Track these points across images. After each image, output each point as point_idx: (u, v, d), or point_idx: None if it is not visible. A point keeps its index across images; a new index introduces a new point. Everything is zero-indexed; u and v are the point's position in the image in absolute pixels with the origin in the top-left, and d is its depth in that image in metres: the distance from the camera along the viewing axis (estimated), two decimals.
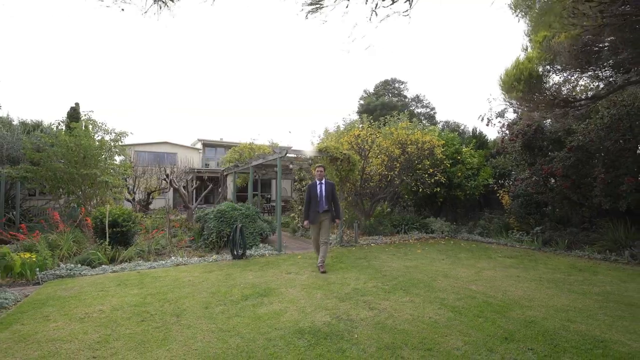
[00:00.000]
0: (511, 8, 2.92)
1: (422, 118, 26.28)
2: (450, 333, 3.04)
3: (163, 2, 1.99)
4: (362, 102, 28.86)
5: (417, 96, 30.07)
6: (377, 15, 2.09)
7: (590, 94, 6.63)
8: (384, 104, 26.19)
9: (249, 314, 3.55)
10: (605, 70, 5.31)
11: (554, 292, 4.34)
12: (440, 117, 29.16)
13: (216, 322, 3.33)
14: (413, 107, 28.79)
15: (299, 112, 66.67)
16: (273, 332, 3.07)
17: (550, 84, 7.45)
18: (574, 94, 7.23)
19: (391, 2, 2.06)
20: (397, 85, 29.67)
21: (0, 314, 3.69)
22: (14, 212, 10.80)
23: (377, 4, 2.04)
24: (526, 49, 6.62)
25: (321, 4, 2.16)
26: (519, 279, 5.06)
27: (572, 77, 6.86)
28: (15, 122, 14.97)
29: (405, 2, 2.05)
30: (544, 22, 3.48)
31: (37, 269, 5.17)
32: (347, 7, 2.04)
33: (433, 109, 29.32)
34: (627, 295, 4.27)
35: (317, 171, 5.83)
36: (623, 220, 7.31)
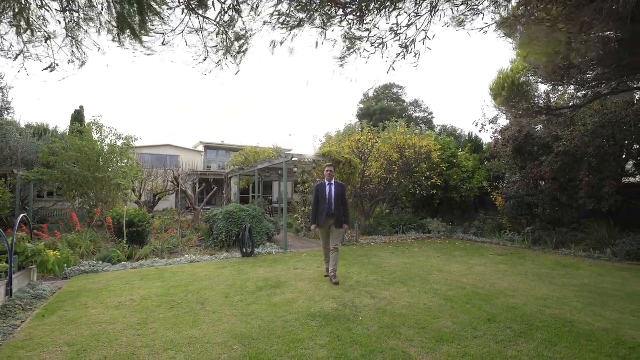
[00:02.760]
0: (497, 30, 3.40)
1: (420, 122, 26.84)
2: (441, 316, 3.51)
3: (226, 65, 2.45)
4: (361, 106, 29.41)
5: (416, 101, 30.67)
6: (394, 69, 2.63)
7: (577, 102, 7.15)
8: (383, 108, 26.74)
9: (265, 302, 4.02)
10: (580, 84, 5.82)
11: (536, 284, 4.83)
12: (438, 121, 29.79)
13: (237, 309, 3.79)
14: (411, 112, 29.36)
15: (300, 114, 67.23)
16: (288, 316, 3.54)
17: (539, 93, 8.00)
18: (559, 102, 7.76)
19: (403, 58, 2.57)
20: (395, 90, 30.26)
21: (42, 303, 4.14)
22: (25, 214, 11.22)
23: (393, 61, 2.55)
24: (514, 61, 7.15)
25: (346, 61, 2.69)
26: (506, 273, 5.55)
27: (560, 87, 7.38)
28: (21, 125, 15.40)
29: (414, 57, 2.57)
30: (524, 47, 4.01)
31: (65, 265, 5.63)
32: (366, 62, 2.58)
33: (431, 113, 29.94)
34: (602, 286, 4.76)
35: (327, 171, 5.21)
36: (607, 221, 7.83)
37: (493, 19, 2.75)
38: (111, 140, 10.33)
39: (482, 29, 2.74)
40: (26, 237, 4.92)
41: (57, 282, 5.24)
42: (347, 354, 2.69)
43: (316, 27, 2.37)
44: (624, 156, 8.72)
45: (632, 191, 8.52)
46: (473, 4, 2.48)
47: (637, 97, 8.37)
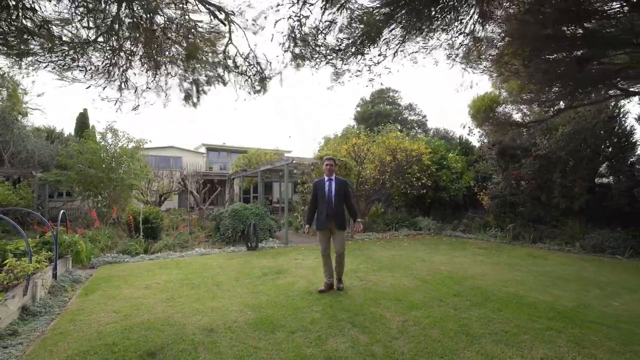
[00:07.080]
0: (463, 63, 4.13)
1: (415, 125, 27.65)
2: (416, 292, 4.26)
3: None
4: (359, 109, 30.23)
5: (410, 104, 31.51)
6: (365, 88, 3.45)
7: (545, 115, 7.96)
8: (379, 111, 27.55)
9: (270, 284, 4.76)
10: (556, 96, 6.59)
11: (504, 271, 5.58)
12: (431, 124, 30.63)
13: (247, 288, 4.54)
14: (406, 115, 30.19)
15: (301, 117, 68.03)
16: (290, 293, 4.28)
17: (511, 108, 8.80)
18: (537, 113, 8.55)
19: (371, 86, 3.41)
20: (391, 94, 31.07)
21: (80, 286, 4.87)
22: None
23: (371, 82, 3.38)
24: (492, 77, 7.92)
25: (332, 87, 3.53)
26: (482, 262, 6.30)
27: (528, 104, 8.16)
28: (28, 128, 16.11)
29: (381, 85, 3.43)
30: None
31: (92, 256, 6.37)
32: (345, 88, 3.38)
33: (425, 116, 30.78)
34: (560, 272, 5.51)
35: (326, 165, 4.54)
36: (579, 219, 8.60)
37: (447, 55, 3.54)
38: (123, 144, 11.04)
39: (436, 62, 3.52)
40: (63, 230, 5.65)
41: (86, 270, 5.97)
42: (336, 316, 3.44)
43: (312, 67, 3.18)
44: (600, 159, 9.48)
45: (604, 191, 9.29)
46: (426, 45, 3.27)
47: (612, 104, 9.15)
